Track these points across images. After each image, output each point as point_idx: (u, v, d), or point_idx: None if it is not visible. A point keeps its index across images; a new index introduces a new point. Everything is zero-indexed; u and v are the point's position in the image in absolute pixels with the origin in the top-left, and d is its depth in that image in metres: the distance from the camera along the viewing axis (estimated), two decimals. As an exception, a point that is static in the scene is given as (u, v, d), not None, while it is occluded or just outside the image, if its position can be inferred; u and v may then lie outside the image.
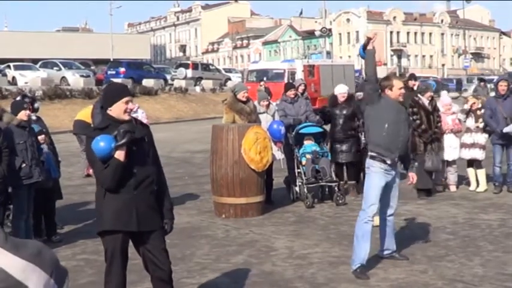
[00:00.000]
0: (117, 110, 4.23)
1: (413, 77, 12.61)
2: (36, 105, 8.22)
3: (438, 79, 51.54)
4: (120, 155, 4.11)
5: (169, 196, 4.54)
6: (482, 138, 9.92)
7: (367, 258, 5.90)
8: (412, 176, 6.23)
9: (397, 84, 5.99)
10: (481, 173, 10.05)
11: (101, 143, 4.09)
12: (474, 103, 10.13)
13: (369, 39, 6.04)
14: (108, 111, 4.29)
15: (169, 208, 4.48)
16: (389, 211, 6.17)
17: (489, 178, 10.15)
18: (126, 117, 4.24)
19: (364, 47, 6.06)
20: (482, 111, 9.99)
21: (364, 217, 5.91)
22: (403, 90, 6.02)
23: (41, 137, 7.29)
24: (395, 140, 5.87)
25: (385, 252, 6.32)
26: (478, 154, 9.92)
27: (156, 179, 4.35)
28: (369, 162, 6.00)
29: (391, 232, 6.28)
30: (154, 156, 4.41)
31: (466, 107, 10.24)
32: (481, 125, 9.88)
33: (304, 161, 9.32)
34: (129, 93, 4.35)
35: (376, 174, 5.91)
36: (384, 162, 5.87)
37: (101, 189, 4.26)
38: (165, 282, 4.41)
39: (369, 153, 6.01)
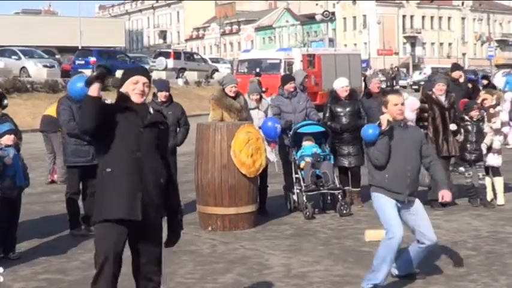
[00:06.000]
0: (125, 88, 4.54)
1: (457, 67, 12.50)
2: (5, 101, 8.14)
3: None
4: (92, 90, 4.38)
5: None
6: (496, 141, 9.66)
7: (384, 279, 5.82)
8: (443, 194, 5.88)
9: (392, 100, 5.85)
10: (499, 182, 9.78)
11: (78, 84, 4.45)
12: (486, 99, 9.85)
13: (389, 122, 5.82)
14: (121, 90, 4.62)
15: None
16: (420, 238, 5.92)
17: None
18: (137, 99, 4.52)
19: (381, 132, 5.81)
20: (498, 108, 9.76)
21: (389, 236, 5.74)
22: (400, 107, 5.85)
23: (8, 137, 7.17)
24: (402, 179, 5.77)
25: (401, 272, 6.23)
26: (493, 160, 9.68)
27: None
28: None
29: (417, 256, 6.10)
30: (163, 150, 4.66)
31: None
32: (495, 125, 9.61)
33: (302, 165, 9.33)
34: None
35: (380, 194, 5.87)
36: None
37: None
38: None
39: (371, 192, 5.95)
